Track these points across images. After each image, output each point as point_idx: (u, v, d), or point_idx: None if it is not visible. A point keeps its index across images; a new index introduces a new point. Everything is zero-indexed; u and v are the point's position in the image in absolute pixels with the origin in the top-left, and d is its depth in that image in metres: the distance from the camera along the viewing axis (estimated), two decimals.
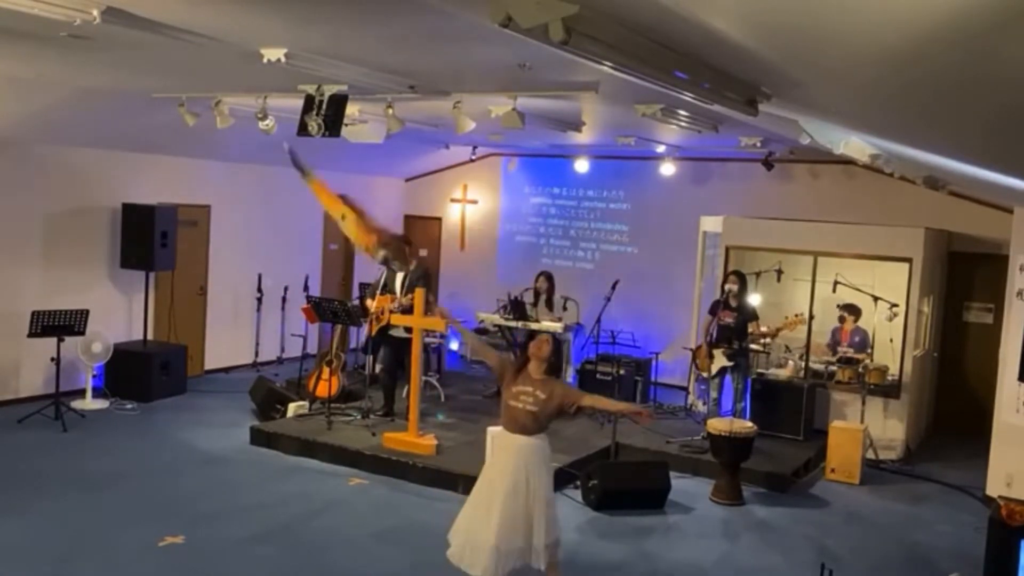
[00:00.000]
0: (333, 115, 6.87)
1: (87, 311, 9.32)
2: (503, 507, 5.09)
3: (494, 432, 5.25)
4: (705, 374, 9.38)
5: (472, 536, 5.16)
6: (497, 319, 10.65)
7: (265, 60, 5.55)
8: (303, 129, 6.93)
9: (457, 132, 7.93)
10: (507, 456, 5.24)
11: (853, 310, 9.87)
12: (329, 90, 6.82)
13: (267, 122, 7.87)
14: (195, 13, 4.68)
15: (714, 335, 9.17)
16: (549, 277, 10.80)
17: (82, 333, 9.36)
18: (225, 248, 11.78)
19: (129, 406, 9.81)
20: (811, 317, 9.78)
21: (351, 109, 7.60)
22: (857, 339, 9.85)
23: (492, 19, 2.70)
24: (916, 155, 5.70)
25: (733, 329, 9.06)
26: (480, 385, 11.13)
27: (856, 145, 5.85)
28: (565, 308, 10.82)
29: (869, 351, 9.66)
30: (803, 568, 6.41)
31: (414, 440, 8.14)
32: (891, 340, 9.57)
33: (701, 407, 10.01)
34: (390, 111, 7.49)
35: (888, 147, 5.72)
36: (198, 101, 8.32)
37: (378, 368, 9.57)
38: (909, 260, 9.38)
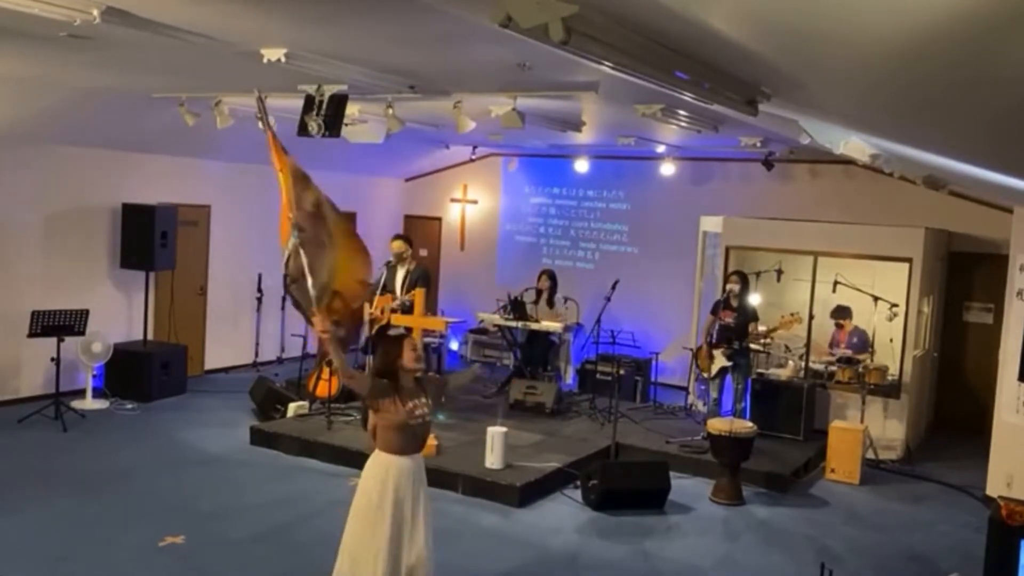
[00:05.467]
0: (333, 115, 6.87)
1: (87, 311, 9.32)
2: (394, 528, 4.98)
3: (398, 460, 4.82)
4: (706, 374, 9.39)
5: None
6: (497, 319, 10.64)
7: (265, 60, 5.56)
8: (303, 129, 6.93)
9: (457, 132, 7.93)
10: (406, 479, 4.95)
11: (845, 312, 9.85)
12: (329, 90, 6.82)
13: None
14: (195, 13, 4.68)
15: (715, 335, 9.17)
16: (552, 276, 10.80)
17: (82, 333, 9.36)
18: (225, 248, 11.77)
19: (129, 406, 9.80)
20: (811, 317, 9.76)
21: (351, 109, 7.59)
22: (855, 340, 9.83)
23: (492, 19, 2.70)
24: (916, 155, 5.70)
25: (734, 329, 9.07)
26: (480, 386, 11.12)
27: (856, 145, 5.85)
28: (565, 307, 10.82)
29: (869, 351, 9.65)
30: (803, 568, 6.41)
31: None
32: (891, 340, 9.56)
33: (701, 407, 10.01)
34: (390, 111, 7.49)
35: (888, 147, 5.72)
36: (198, 101, 8.33)
37: None
38: (909, 260, 9.38)
